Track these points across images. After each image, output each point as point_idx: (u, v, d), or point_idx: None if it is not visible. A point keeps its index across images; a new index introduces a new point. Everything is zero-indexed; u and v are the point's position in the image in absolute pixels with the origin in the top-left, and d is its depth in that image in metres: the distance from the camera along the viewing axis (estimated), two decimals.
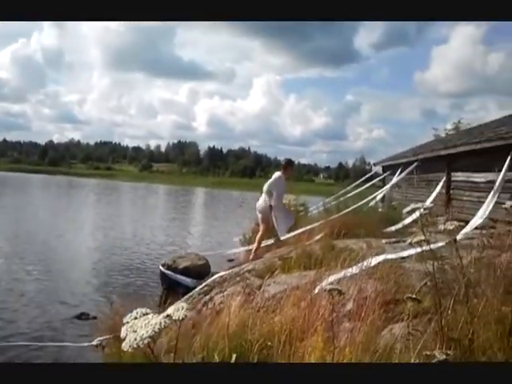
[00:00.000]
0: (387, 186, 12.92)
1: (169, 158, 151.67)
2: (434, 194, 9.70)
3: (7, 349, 5.35)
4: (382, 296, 3.14)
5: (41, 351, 5.44)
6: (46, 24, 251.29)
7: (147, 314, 1.27)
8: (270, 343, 2.87)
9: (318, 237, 7.18)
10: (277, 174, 7.86)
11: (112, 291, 8.17)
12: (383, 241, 6.15)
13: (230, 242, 13.06)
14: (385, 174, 15.74)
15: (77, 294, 8.18)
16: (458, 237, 3.81)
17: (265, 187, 7.73)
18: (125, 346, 1.16)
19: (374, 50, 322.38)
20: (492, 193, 6.85)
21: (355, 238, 6.65)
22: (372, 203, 11.34)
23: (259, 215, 7.87)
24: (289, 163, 8.19)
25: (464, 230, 5.49)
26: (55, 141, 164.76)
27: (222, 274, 6.69)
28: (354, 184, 14.82)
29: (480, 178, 8.64)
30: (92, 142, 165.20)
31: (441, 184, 10.17)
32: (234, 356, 2.81)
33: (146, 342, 1.15)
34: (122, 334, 1.20)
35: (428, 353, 1.77)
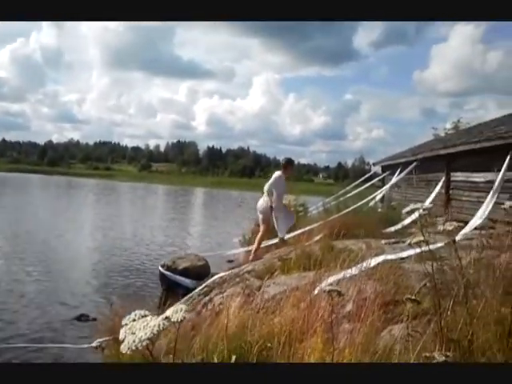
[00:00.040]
0: (386, 186, 12.92)
1: (168, 157, 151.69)
2: (433, 194, 9.70)
3: (6, 350, 5.34)
4: (382, 297, 3.14)
5: (40, 353, 5.44)
6: (45, 23, 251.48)
7: (146, 316, 1.27)
8: (269, 344, 2.86)
9: (317, 237, 7.18)
10: (277, 173, 7.82)
11: (112, 292, 8.17)
12: (382, 241, 6.15)
13: (230, 242, 13.08)
14: (384, 174, 15.73)
15: (77, 295, 8.18)
16: (457, 237, 3.81)
17: (265, 187, 7.70)
18: (123, 348, 1.16)
19: (373, 48, 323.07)
20: (491, 193, 6.85)
21: (354, 239, 6.65)
22: (371, 203, 11.34)
23: (260, 215, 7.85)
24: (289, 162, 8.15)
25: (463, 231, 5.49)
26: (54, 141, 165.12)
27: (221, 274, 6.68)
28: (353, 184, 14.83)
29: (479, 177, 8.64)
30: (91, 142, 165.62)
31: (440, 184, 10.17)
32: (234, 357, 2.80)
33: (144, 344, 1.15)
34: (121, 336, 1.20)
35: (427, 354, 1.76)
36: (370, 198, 11.29)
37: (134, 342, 1.14)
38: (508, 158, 7.13)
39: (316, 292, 3.37)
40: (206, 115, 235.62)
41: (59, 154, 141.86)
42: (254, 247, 7.79)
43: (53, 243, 13.26)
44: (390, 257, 4.40)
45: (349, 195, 11.97)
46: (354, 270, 3.76)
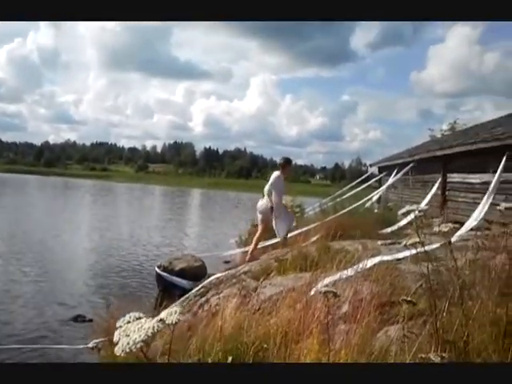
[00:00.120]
0: (383, 187, 12.93)
1: (165, 158, 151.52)
2: (429, 196, 9.71)
3: (0, 351, 5.31)
4: (378, 298, 3.15)
5: (36, 353, 5.42)
6: (43, 24, 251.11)
7: (140, 318, 1.26)
8: (265, 345, 2.86)
9: (314, 238, 7.18)
10: (275, 173, 7.80)
11: (109, 293, 8.15)
12: (379, 242, 6.16)
13: (226, 243, 13.06)
14: (381, 175, 15.77)
15: (74, 295, 8.17)
16: (453, 239, 3.82)
17: (266, 188, 7.69)
18: (117, 350, 1.15)
19: (369, 49, 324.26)
20: (487, 194, 6.86)
21: (351, 240, 6.66)
22: (368, 204, 11.36)
23: (259, 216, 7.84)
24: (287, 162, 8.13)
25: (459, 232, 5.50)
26: (51, 141, 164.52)
27: (218, 275, 6.67)
28: (350, 185, 14.86)
29: (475, 178, 8.66)
30: (88, 143, 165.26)
31: (436, 185, 10.19)
32: (230, 358, 2.80)
33: (138, 346, 1.14)
34: (115, 339, 1.19)
35: (423, 355, 1.76)
36: (366, 198, 11.31)
37: (128, 344, 1.13)
38: (504, 159, 7.15)
39: (312, 293, 3.37)
40: (202, 116, 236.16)
41: (56, 154, 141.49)
42: (251, 247, 7.78)
43: (50, 244, 13.24)
44: (386, 258, 4.40)
45: (345, 196, 11.99)
46: (350, 271, 3.76)
